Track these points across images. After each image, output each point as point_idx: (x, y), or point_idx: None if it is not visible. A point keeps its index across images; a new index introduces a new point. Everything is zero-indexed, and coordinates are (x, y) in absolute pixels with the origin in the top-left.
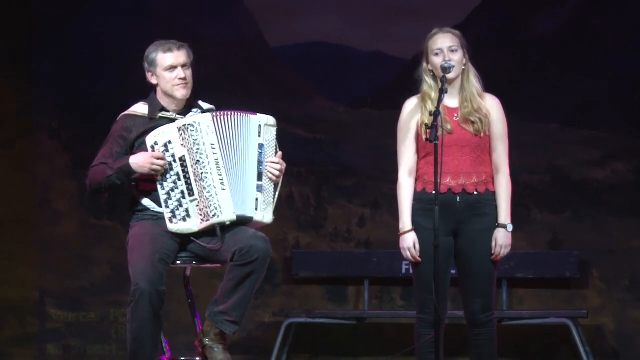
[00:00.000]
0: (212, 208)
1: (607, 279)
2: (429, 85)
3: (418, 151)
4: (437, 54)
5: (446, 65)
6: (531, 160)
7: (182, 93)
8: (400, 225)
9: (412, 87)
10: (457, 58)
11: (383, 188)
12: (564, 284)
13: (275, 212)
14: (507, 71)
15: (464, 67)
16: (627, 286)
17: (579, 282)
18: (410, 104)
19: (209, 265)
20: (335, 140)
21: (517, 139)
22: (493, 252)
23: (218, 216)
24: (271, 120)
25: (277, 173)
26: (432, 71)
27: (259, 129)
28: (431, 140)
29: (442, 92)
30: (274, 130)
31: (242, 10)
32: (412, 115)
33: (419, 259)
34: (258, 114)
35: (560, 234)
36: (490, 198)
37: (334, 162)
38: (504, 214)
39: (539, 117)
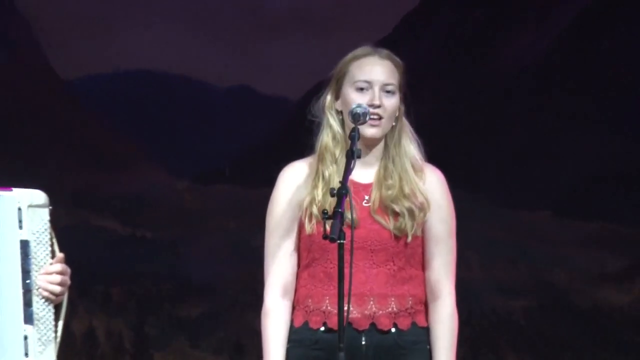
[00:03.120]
0: None
1: None
2: (333, 134)
3: (299, 256)
4: (361, 89)
5: (359, 110)
6: (507, 273)
7: None
8: None
9: (303, 145)
10: (391, 105)
11: (251, 320)
12: None
13: (61, 357)
14: (464, 123)
15: (394, 123)
16: None
17: None
18: (291, 173)
19: None
20: (171, 238)
21: (484, 236)
22: None
23: None
24: (38, 197)
25: (58, 289)
26: (341, 113)
27: (18, 215)
28: (333, 239)
29: (352, 155)
30: (45, 215)
31: (21, 26)
32: (292, 192)
33: None
34: (14, 190)
35: None
36: (420, 339)
37: (168, 275)
38: None
39: (519, 199)
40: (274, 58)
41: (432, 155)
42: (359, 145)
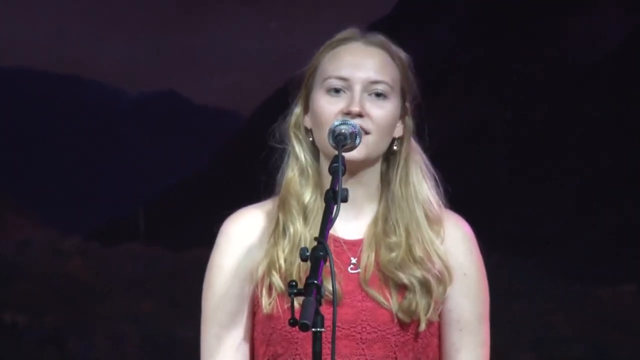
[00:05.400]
0: None
1: None
2: (300, 168)
3: (253, 351)
4: (335, 91)
5: (344, 128)
6: None
7: None
8: None
9: (257, 184)
10: (381, 114)
11: None
12: None
13: None
14: (504, 148)
15: (396, 146)
16: None
17: None
18: (239, 226)
19: None
20: (54, 327)
21: (536, 323)
22: None
23: None
24: None
25: None
26: (311, 131)
27: None
28: (305, 326)
29: (334, 198)
30: None
31: None
32: (241, 254)
33: None
34: None
35: None
36: None
37: None
38: None
39: (591, 268)
40: (214, 48)
41: (453, 200)
42: (344, 181)
